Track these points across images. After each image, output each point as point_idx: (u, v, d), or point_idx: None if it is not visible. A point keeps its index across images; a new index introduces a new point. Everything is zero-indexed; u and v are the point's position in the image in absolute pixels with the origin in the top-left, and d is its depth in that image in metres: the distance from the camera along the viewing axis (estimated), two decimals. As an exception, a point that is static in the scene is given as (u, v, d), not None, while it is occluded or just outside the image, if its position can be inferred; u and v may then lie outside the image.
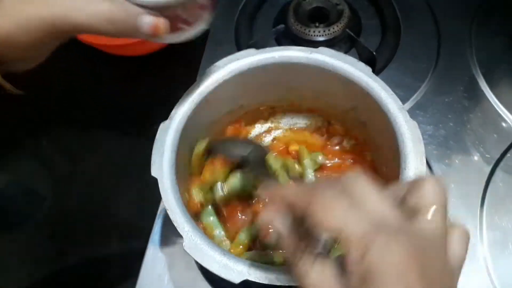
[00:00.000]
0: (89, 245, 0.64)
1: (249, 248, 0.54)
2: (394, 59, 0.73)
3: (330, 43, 0.73)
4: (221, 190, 0.56)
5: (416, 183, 0.31)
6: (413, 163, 0.46)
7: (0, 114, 0.77)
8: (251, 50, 0.54)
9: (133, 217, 0.65)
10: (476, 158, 0.65)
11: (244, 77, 0.55)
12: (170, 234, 0.62)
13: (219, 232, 0.54)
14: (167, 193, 0.46)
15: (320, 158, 0.60)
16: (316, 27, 0.73)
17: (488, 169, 0.63)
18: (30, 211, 0.69)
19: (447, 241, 0.30)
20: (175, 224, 0.45)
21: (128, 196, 0.67)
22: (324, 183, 0.32)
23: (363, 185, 0.30)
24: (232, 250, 0.53)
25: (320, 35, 0.73)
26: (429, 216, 0.29)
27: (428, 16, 0.77)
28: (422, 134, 0.54)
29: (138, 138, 0.71)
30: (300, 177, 0.58)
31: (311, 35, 0.73)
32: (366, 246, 0.26)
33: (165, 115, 0.51)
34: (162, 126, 0.51)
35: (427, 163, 0.64)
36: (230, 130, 0.62)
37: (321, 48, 0.54)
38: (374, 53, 0.70)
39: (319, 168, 0.59)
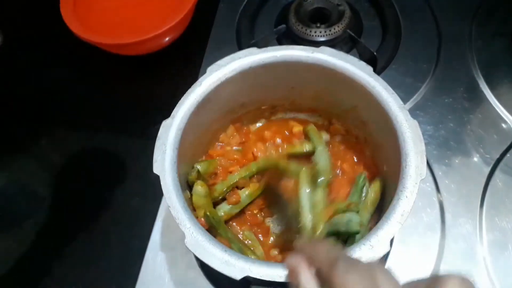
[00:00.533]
0: (89, 244, 0.64)
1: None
2: (395, 60, 0.73)
3: (331, 44, 0.73)
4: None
5: (439, 280, 0.29)
6: (414, 161, 0.46)
7: (1, 114, 0.77)
8: (253, 49, 0.55)
9: (134, 215, 0.65)
10: (476, 158, 0.65)
11: (246, 75, 0.55)
12: (171, 233, 0.62)
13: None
14: (169, 191, 0.46)
15: (324, 136, 0.61)
16: (317, 27, 0.74)
17: (487, 169, 0.64)
18: (29, 211, 0.68)
19: None
20: (177, 221, 0.45)
21: (129, 195, 0.67)
22: (351, 260, 0.33)
23: (388, 279, 0.30)
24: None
25: (321, 36, 0.73)
26: None
27: (429, 17, 0.78)
28: (423, 134, 0.54)
29: (140, 136, 0.71)
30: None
31: (312, 36, 0.73)
32: None
33: (167, 113, 0.52)
34: (164, 124, 0.51)
35: (428, 163, 0.64)
36: (231, 129, 0.62)
37: (322, 47, 0.54)
38: (375, 53, 0.70)
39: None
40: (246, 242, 0.56)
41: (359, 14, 0.79)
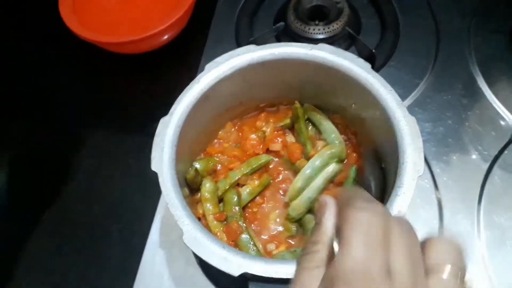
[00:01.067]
0: (88, 241, 0.64)
1: None
2: (393, 57, 0.73)
3: (329, 41, 0.73)
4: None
5: (430, 242, 0.30)
6: (412, 158, 0.46)
7: (1, 113, 0.78)
8: (251, 46, 0.55)
9: (133, 213, 0.65)
10: (474, 155, 0.65)
11: (244, 73, 0.55)
12: (170, 230, 0.62)
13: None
14: (167, 187, 0.47)
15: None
16: (316, 25, 0.74)
17: (485, 166, 0.64)
18: (30, 210, 0.69)
19: None
20: (175, 218, 0.45)
21: (128, 193, 0.67)
22: (371, 201, 0.30)
23: (406, 233, 0.29)
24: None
25: (319, 33, 0.73)
26: (445, 275, 0.28)
27: (427, 14, 0.78)
28: (421, 131, 0.54)
29: (139, 134, 0.71)
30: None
31: (311, 33, 0.73)
32: None
33: (165, 111, 0.52)
34: (162, 121, 0.51)
35: (426, 160, 0.64)
36: (229, 126, 0.62)
37: (320, 45, 0.54)
38: (374, 50, 0.70)
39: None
40: None
41: (358, 12, 0.79)
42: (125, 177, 0.69)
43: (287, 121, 0.62)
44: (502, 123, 0.67)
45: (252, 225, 0.58)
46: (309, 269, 0.29)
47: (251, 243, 0.54)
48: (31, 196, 0.70)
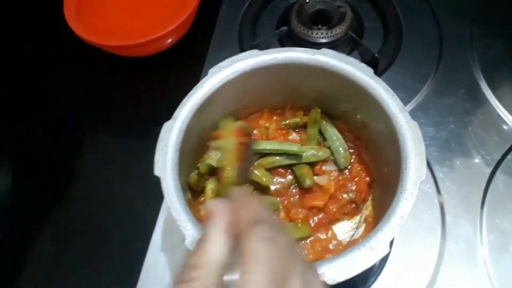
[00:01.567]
0: (90, 244, 0.64)
1: None
2: (396, 61, 0.73)
3: (332, 45, 0.73)
4: None
5: None
6: (414, 163, 0.46)
7: (4, 115, 0.78)
8: (254, 51, 0.55)
9: (135, 217, 0.65)
10: (477, 160, 0.65)
11: (247, 77, 0.55)
12: (172, 234, 0.62)
13: None
14: (170, 192, 0.47)
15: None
16: (319, 29, 0.74)
17: (488, 170, 0.64)
18: (31, 212, 0.69)
19: None
20: (178, 222, 0.45)
21: (130, 196, 0.67)
22: (275, 226, 0.27)
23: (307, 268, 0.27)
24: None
25: (322, 37, 0.73)
26: None
27: (430, 18, 0.78)
28: (423, 136, 0.53)
29: (142, 138, 0.71)
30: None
31: (314, 37, 0.73)
32: None
33: (168, 115, 0.52)
34: (166, 126, 0.51)
35: (429, 165, 0.64)
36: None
37: (323, 49, 0.54)
38: (376, 55, 0.70)
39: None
40: None
41: (361, 16, 0.79)
42: (128, 180, 0.69)
43: (292, 120, 0.63)
44: (505, 127, 0.67)
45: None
46: None
47: None
48: (33, 199, 0.70)
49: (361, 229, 0.56)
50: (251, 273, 0.24)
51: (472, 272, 0.57)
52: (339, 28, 0.73)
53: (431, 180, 0.63)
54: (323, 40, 0.73)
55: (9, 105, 0.79)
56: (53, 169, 0.72)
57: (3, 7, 0.88)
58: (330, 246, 0.56)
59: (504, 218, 0.61)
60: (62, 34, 0.74)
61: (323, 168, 0.60)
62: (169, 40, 0.76)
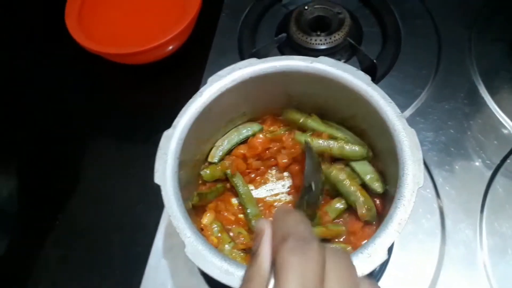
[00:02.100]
0: (92, 251, 0.65)
1: None
2: (395, 67, 0.74)
3: (331, 52, 0.74)
4: None
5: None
6: (411, 170, 0.47)
7: (5, 121, 0.79)
8: (253, 60, 0.55)
9: (136, 223, 0.66)
10: (476, 164, 0.65)
11: (246, 86, 0.55)
12: (173, 240, 0.62)
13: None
14: (170, 200, 0.47)
15: None
16: (318, 35, 0.74)
17: (488, 175, 0.64)
18: (34, 217, 0.69)
19: None
20: (178, 231, 0.45)
21: (131, 204, 0.67)
22: (307, 239, 0.28)
23: (343, 271, 0.28)
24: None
25: (321, 44, 0.74)
26: None
27: (429, 23, 0.78)
28: (423, 141, 0.54)
29: (142, 146, 0.71)
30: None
31: (313, 44, 0.74)
32: None
33: (168, 123, 0.52)
34: (165, 134, 0.52)
35: (428, 169, 0.64)
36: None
37: (321, 58, 0.54)
38: (375, 61, 0.70)
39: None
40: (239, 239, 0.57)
41: (359, 22, 0.79)
42: (129, 187, 0.69)
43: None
44: (505, 131, 0.67)
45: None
46: None
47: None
48: (36, 206, 0.71)
49: None
50: (282, 285, 0.26)
51: (472, 276, 0.58)
52: (338, 35, 0.74)
53: (431, 184, 0.64)
54: (322, 47, 0.74)
55: (11, 112, 0.80)
56: (54, 177, 0.73)
57: (4, 15, 0.89)
58: None
59: (503, 222, 0.61)
60: (64, 42, 0.75)
61: None
62: (170, 48, 0.76)
